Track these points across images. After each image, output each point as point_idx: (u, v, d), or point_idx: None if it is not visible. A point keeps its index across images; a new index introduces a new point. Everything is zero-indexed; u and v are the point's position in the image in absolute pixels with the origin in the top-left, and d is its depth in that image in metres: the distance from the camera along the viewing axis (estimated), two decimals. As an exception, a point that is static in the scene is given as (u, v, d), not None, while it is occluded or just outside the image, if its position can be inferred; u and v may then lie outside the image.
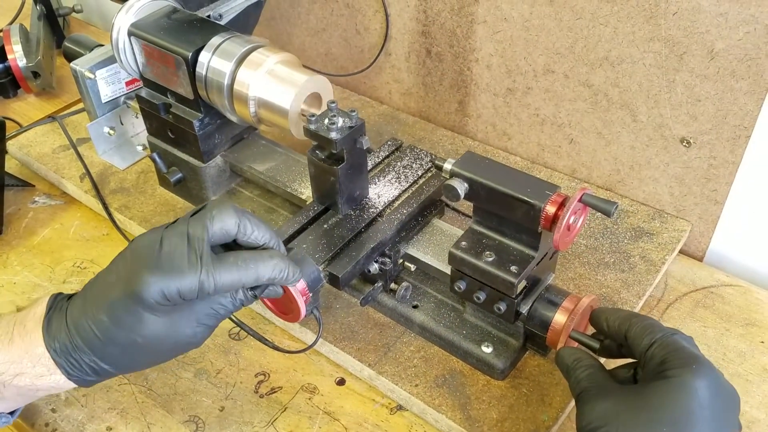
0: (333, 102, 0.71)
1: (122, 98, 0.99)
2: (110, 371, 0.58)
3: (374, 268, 0.74)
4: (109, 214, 0.92)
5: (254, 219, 0.58)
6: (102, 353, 0.57)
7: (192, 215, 0.57)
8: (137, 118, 1.02)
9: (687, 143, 0.83)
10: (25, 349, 0.58)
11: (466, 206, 0.86)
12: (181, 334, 0.58)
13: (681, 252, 0.87)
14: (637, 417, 0.52)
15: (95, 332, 0.56)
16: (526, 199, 0.62)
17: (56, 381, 0.58)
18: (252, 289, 0.59)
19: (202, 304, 0.58)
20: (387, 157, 0.85)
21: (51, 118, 1.07)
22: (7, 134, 1.01)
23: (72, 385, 0.59)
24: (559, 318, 0.66)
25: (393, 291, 0.76)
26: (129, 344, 0.56)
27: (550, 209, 0.62)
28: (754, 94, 0.75)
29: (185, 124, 0.83)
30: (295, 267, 0.60)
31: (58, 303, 0.60)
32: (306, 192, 0.82)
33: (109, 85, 0.97)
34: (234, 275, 0.55)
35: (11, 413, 0.64)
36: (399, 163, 0.83)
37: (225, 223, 0.56)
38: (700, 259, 0.89)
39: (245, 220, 0.57)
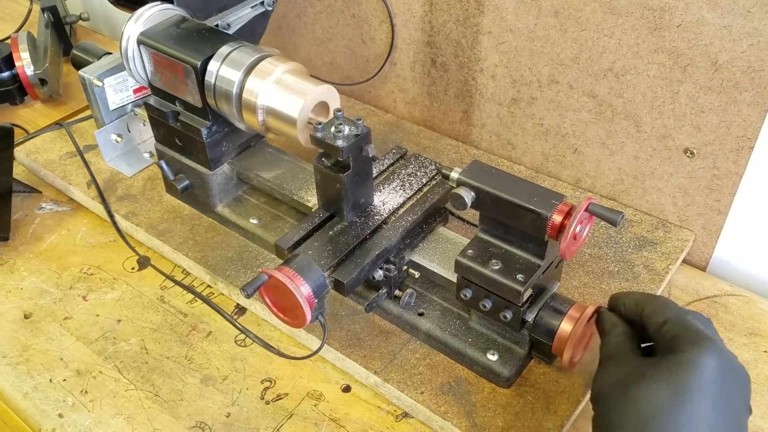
0: (339, 110, 0.72)
1: (130, 106, 1.00)
2: None
3: (379, 274, 0.75)
4: (114, 223, 0.93)
5: None
6: None
7: None
8: (144, 125, 1.03)
9: (690, 154, 0.83)
10: None
11: (471, 214, 0.87)
12: None
13: (684, 262, 0.88)
14: (640, 385, 0.52)
15: None
16: (532, 208, 0.63)
17: None
18: None
19: None
20: (392, 164, 0.85)
21: (58, 124, 1.08)
22: (14, 141, 1.01)
23: None
24: (565, 326, 0.67)
25: (397, 298, 0.77)
26: None
27: (557, 218, 0.62)
28: (757, 105, 0.75)
29: (193, 132, 0.84)
30: None
31: None
32: (312, 200, 0.83)
33: (116, 92, 0.98)
34: None
35: None
36: (404, 171, 0.84)
37: None
38: (704, 269, 0.89)
39: None
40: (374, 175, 0.81)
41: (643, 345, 0.59)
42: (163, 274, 0.88)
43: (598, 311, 0.65)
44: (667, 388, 0.51)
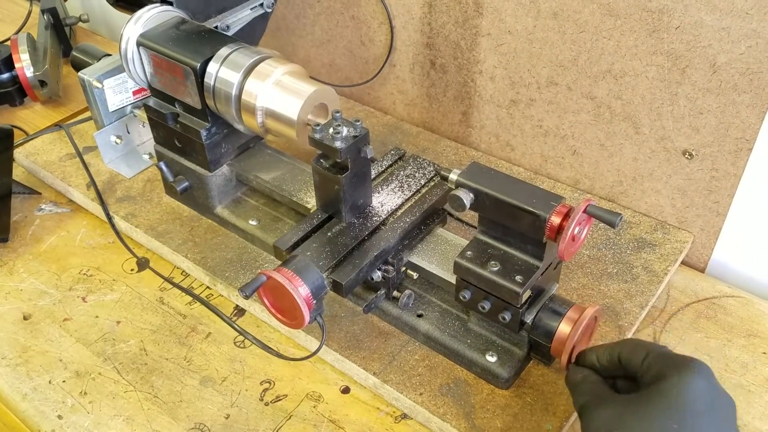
0: (338, 111, 0.72)
1: (129, 107, 1.00)
2: None
3: (377, 275, 0.75)
4: (113, 225, 0.93)
5: None
6: None
7: None
8: (144, 127, 1.03)
9: (689, 155, 0.83)
10: None
11: (469, 216, 0.87)
12: None
13: (683, 263, 0.88)
14: (640, 417, 0.52)
15: None
16: (531, 209, 0.63)
17: None
18: None
19: None
20: (390, 166, 0.85)
21: (58, 126, 1.08)
22: (14, 142, 1.02)
23: None
24: (564, 328, 0.67)
25: (396, 299, 0.77)
26: None
27: (555, 220, 0.63)
28: (755, 107, 0.75)
29: (192, 134, 0.84)
30: None
31: None
32: (311, 201, 0.83)
33: (116, 94, 0.98)
34: None
35: None
36: (402, 172, 0.84)
37: None
38: (702, 271, 0.89)
39: None
40: (373, 177, 0.81)
41: (621, 379, 0.60)
42: (162, 276, 0.88)
43: (567, 367, 0.65)
44: (666, 416, 0.51)
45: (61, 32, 1.28)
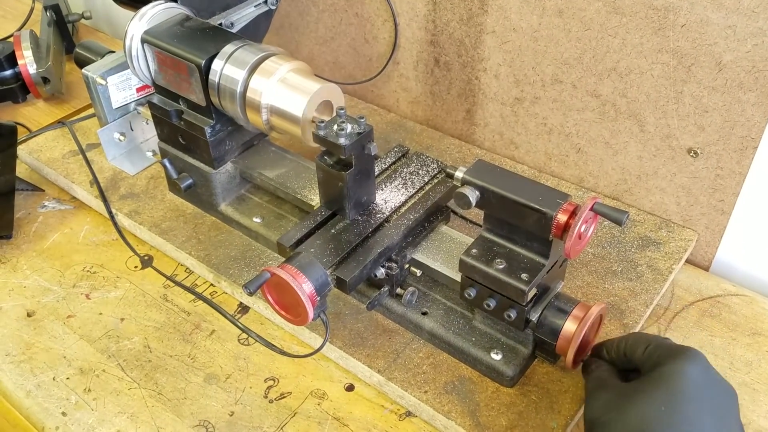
0: (342, 108, 0.72)
1: (133, 104, 1.00)
2: None
3: (381, 272, 0.75)
4: (115, 222, 0.93)
5: None
6: None
7: None
8: (147, 124, 1.03)
9: (694, 154, 0.83)
10: None
11: (473, 213, 0.87)
12: None
13: (688, 261, 0.88)
14: (634, 403, 0.55)
15: None
16: (537, 207, 0.63)
17: None
18: None
19: None
20: (394, 163, 0.85)
21: (61, 123, 1.08)
22: (17, 139, 1.01)
23: None
24: (569, 326, 0.67)
25: (399, 296, 0.77)
26: None
27: (562, 218, 0.62)
28: (761, 105, 0.75)
29: (197, 131, 0.84)
30: None
31: None
32: (315, 199, 0.83)
33: (120, 91, 0.98)
34: None
35: None
36: (406, 170, 0.83)
37: None
38: (707, 269, 0.89)
39: None
40: (376, 174, 0.81)
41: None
42: (164, 275, 0.88)
43: (583, 360, 0.68)
44: (656, 399, 0.53)
45: (63, 29, 1.28)
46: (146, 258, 0.91)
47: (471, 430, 0.68)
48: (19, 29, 1.27)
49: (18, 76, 1.16)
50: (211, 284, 0.87)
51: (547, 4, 0.85)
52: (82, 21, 1.34)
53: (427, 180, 0.82)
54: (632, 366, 0.62)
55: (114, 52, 1.03)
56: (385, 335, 0.77)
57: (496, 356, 0.72)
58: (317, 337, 0.77)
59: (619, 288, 0.81)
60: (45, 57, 1.17)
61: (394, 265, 0.75)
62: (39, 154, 1.04)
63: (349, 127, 0.70)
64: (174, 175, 0.91)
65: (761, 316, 0.81)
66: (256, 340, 0.80)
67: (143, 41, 0.82)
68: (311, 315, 0.67)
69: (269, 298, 0.70)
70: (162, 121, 0.88)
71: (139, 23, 0.82)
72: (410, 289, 0.77)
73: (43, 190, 1.02)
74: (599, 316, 0.68)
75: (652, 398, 0.54)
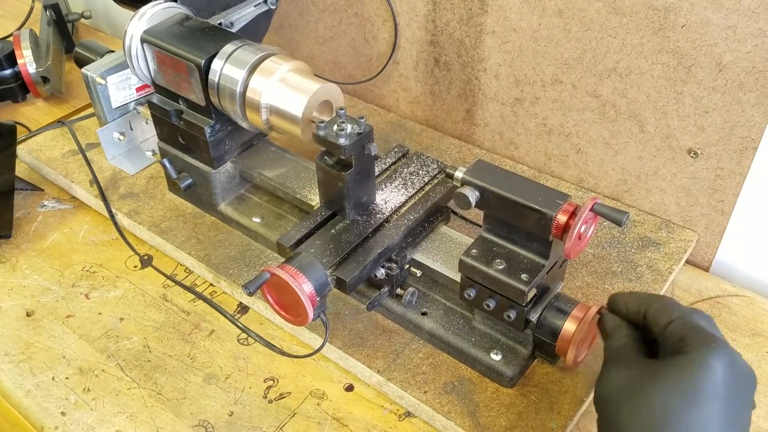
0: (342, 108, 0.72)
1: (132, 104, 1.00)
2: None
3: (381, 273, 0.75)
4: (115, 222, 0.93)
5: None
6: None
7: None
8: (147, 123, 1.03)
9: (694, 154, 0.83)
10: None
11: (473, 213, 0.87)
12: None
13: (687, 262, 0.88)
14: (650, 393, 0.51)
15: None
16: (537, 207, 0.63)
17: None
18: None
19: None
20: (394, 163, 0.85)
21: (60, 122, 1.08)
22: (17, 138, 1.01)
23: None
24: (569, 326, 0.66)
25: (399, 296, 0.77)
26: None
27: (562, 218, 0.62)
28: (761, 106, 0.75)
29: (196, 131, 0.84)
30: None
31: None
32: (315, 199, 0.83)
33: (119, 90, 0.98)
34: None
35: None
36: (406, 170, 0.83)
37: None
38: (707, 270, 0.89)
39: None
40: (376, 174, 0.81)
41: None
42: (164, 274, 0.88)
43: (599, 312, 0.65)
44: (677, 391, 0.51)
45: (63, 28, 1.28)
46: (146, 258, 0.91)
47: (470, 431, 0.68)
48: (19, 28, 1.27)
49: (17, 76, 1.16)
50: (211, 284, 0.87)
51: (547, 5, 0.85)
52: (82, 20, 1.33)
53: (427, 180, 0.82)
54: (649, 331, 0.58)
55: (114, 51, 1.03)
56: (385, 335, 0.77)
57: (496, 357, 0.72)
58: (317, 337, 0.77)
59: (619, 288, 0.81)
60: (45, 56, 1.17)
61: (394, 265, 0.75)
62: (38, 153, 1.03)
63: (349, 127, 0.70)
64: (173, 175, 0.90)
65: (761, 317, 0.81)
66: (256, 340, 0.80)
67: (143, 41, 0.82)
68: (311, 315, 0.67)
69: (269, 298, 0.70)
70: (161, 120, 0.88)
71: (138, 23, 0.82)
72: (410, 289, 0.77)
73: (43, 190, 1.02)
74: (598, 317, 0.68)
75: (672, 391, 0.51)
